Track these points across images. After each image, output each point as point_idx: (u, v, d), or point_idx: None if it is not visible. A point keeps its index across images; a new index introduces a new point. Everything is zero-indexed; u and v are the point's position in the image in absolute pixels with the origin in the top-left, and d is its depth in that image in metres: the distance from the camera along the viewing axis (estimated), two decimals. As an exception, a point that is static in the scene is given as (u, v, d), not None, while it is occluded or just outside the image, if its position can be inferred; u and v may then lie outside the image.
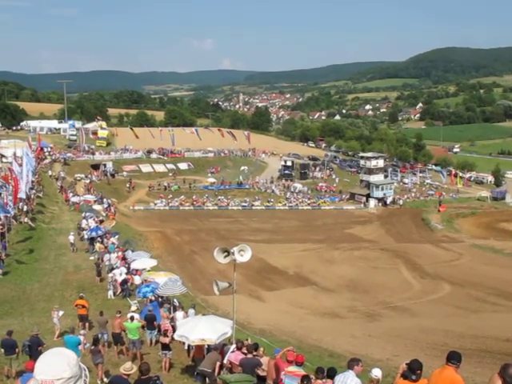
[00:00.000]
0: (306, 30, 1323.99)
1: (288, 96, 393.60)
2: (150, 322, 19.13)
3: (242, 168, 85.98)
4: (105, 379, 14.49)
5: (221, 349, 14.77)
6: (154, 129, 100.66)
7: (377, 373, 8.89)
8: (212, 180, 78.13)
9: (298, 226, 59.32)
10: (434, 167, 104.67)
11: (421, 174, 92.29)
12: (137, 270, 28.43)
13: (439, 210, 68.78)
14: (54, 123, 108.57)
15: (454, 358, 7.36)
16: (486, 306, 33.76)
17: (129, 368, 10.73)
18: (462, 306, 33.79)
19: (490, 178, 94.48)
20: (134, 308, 20.81)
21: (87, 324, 21.02)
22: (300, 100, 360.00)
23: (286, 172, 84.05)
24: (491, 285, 38.22)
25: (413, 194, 78.41)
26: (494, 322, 29.64)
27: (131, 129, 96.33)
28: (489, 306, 33.76)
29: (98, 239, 37.00)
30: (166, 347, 16.64)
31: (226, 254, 14.58)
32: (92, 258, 33.85)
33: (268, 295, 35.63)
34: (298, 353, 12.09)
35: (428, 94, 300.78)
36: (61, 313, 20.44)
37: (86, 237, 38.52)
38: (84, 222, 42.05)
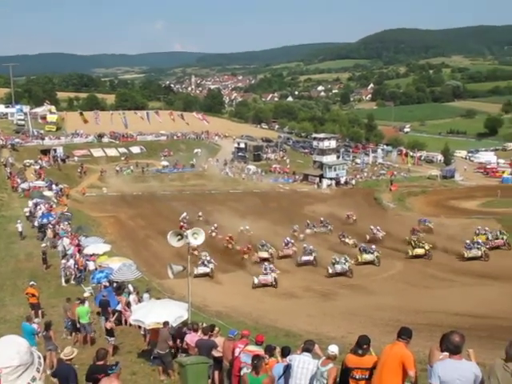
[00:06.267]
0: (257, 11, 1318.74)
1: (240, 78, 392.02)
2: (104, 307, 18.95)
3: (196, 151, 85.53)
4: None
5: (178, 332, 14.79)
6: (104, 112, 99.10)
7: (333, 349, 8.89)
8: (165, 163, 77.54)
9: (253, 207, 59.20)
10: (384, 147, 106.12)
11: (373, 154, 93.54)
12: (90, 256, 28.12)
13: (391, 189, 70.02)
14: (1, 108, 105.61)
15: (404, 334, 7.54)
16: (437, 282, 34.53)
17: (68, 353, 10.57)
18: (414, 283, 34.53)
19: (440, 157, 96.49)
20: (87, 294, 20.57)
21: (40, 312, 20.70)
22: (252, 82, 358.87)
23: (240, 154, 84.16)
24: (442, 261, 39.13)
25: (365, 174, 79.56)
26: (445, 297, 30.40)
27: (81, 114, 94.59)
28: (440, 282, 34.53)
29: (50, 226, 36.40)
30: (109, 332, 16.65)
31: (179, 237, 14.56)
32: (44, 245, 33.27)
33: (224, 278, 35.64)
34: (254, 333, 12.13)
35: (379, 74, 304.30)
36: None
37: (36, 224, 37.82)
38: (34, 208, 41.21)
